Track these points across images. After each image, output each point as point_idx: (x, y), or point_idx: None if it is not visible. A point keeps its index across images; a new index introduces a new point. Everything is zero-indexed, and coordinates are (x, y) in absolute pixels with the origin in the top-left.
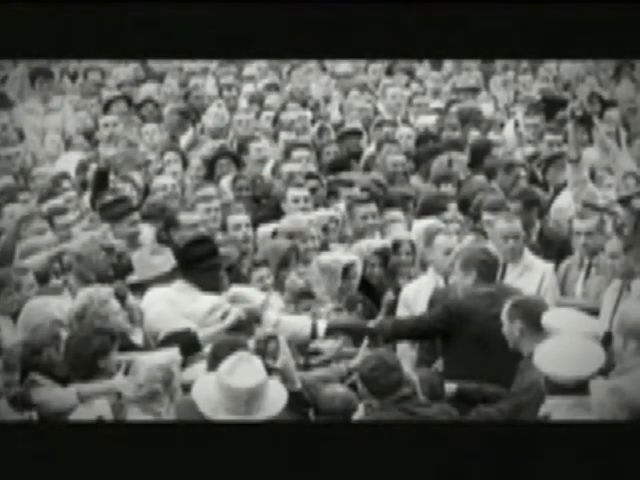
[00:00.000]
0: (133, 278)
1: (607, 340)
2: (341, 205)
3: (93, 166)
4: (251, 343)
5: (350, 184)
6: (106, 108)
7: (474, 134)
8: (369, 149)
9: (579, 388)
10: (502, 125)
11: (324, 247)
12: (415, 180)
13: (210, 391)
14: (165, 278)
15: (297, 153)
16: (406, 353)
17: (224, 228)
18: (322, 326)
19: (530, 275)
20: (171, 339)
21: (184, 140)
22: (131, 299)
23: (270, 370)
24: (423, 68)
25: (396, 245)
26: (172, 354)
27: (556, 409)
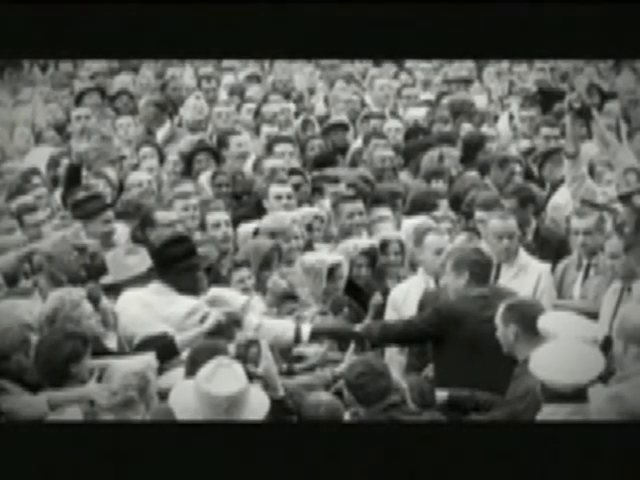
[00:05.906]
0: (107, 279)
1: (607, 345)
2: (326, 202)
3: (65, 161)
4: (231, 348)
5: (336, 180)
6: (78, 100)
7: (466, 128)
8: (356, 143)
9: (577, 395)
10: (496, 118)
11: (308, 247)
12: (404, 176)
13: (188, 398)
14: (140, 279)
15: (280, 148)
16: (395, 358)
17: (203, 227)
18: (306, 330)
19: (525, 276)
20: (147, 344)
21: (161, 134)
22: (105, 301)
23: (251, 376)
24: None
25: (384, 244)
26: (148, 359)
27: (553, 417)
